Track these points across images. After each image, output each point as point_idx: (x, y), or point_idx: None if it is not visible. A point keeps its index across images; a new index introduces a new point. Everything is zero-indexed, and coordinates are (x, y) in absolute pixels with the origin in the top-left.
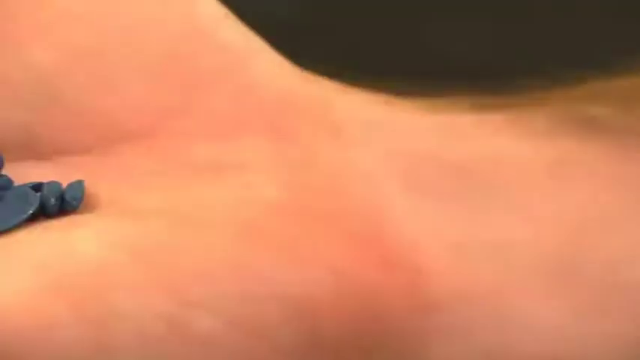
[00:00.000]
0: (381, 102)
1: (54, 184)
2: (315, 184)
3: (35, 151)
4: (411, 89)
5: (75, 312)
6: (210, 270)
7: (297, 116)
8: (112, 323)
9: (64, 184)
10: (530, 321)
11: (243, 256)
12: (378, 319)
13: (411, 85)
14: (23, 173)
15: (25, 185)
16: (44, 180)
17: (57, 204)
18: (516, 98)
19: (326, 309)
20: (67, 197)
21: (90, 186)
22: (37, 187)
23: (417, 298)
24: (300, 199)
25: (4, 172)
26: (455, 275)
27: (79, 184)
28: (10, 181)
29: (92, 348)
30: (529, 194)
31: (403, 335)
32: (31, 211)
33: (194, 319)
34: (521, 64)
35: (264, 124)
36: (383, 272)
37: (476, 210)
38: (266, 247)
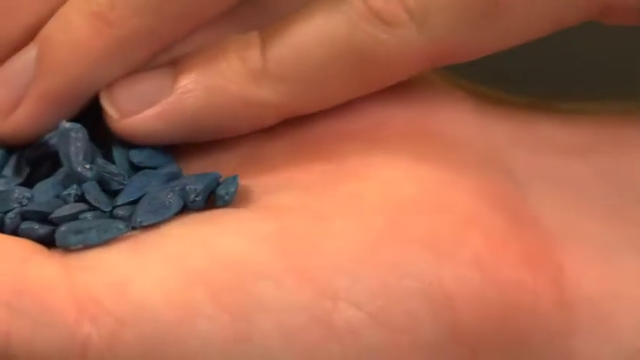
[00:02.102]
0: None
1: (211, 177)
2: (454, 182)
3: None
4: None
5: (215, 303)
6: (353, 264)
7: (438, 108)
8: (252, 314)
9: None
10: None
11: (387, 251)
12: (520, 316)
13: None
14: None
15: (185, 178)
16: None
17: (200, 200)
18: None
19: (468, 305)
20: (221, 192)
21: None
22: (199, 178)
23: (560, 296)
24: (441, 196)
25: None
26: (598, 273)
27: (234, 179)
28: (180, 171)
29: (232, 338)
30: None
31: (546, 333)
32: (175, 210)
33: (336, 312)
34: None
35: (406, 120)
36: (525, 269)
37: (619, 209)
38: (410, 242)
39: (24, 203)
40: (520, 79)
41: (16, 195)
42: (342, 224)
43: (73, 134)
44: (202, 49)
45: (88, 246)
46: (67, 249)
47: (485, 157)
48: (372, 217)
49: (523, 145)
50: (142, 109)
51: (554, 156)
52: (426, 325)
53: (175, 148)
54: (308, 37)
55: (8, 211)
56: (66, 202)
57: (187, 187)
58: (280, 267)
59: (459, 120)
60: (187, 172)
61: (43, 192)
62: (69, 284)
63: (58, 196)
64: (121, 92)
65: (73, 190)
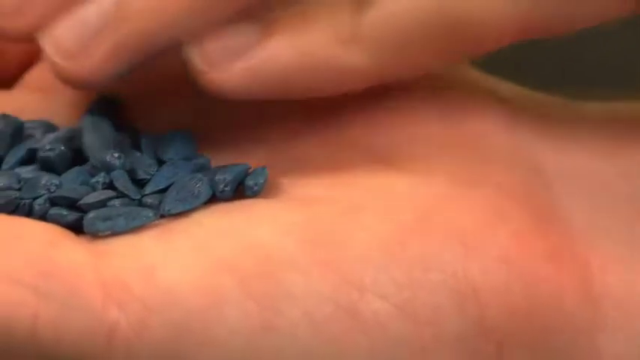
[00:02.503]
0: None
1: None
2: (483, 178)
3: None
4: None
5: (243, 290)
6: (380, 255)
7: (467, 104)
8: (279, 302)
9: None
10: None
11: (414, 243)
12: (545, 311)
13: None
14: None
15: (212, 169)
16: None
17: (229, 190)
18: None
19: (495, 299)
20: (250, 182)
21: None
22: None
23: (586, 292)
24: (468, 192)
25: None
26: (624, 270)
27: (263, 170)
28: (208, 161)
29: (258, 325)
30: None
31: (571, 329)
32: (204, 199)
33: (362, 303)
34: None
35: (436, 114)
36: (551, 265)
37: None
38: (437, 235)
39: (52, 190)
40: (542, 77)
41: (44, 181)
42: (370, 216)
43: (98, 124)
44: (293, 9)
45: (115, 233)
46: (95, 235)
47: (513, 155)
48: (400, 210)
49: (549, 144)
50: (229, 62)
51: (579, 156)
52: (451, 318)
53: (204, 140)
54: (399, 4)
55: (37, 197)
56: (94, 190)
57: (216, 177)
58: (308, 257)
59: (488, 118)
60: (215, 164)
61: (71, 180)
62: (97, 269)
63: (86, 184)
64: (210, 44)
65: (100, 177)
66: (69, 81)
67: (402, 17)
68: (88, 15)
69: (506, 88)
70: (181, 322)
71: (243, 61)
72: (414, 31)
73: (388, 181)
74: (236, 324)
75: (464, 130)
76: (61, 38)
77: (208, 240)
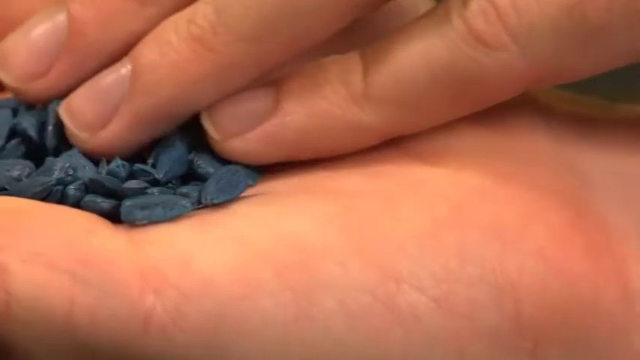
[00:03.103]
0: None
1: None
2: (519, 175)
3: None
4: None
5: (279, 280)
6: (418, 247)
7: (504, 102)
8: (315, 293)
9: None
10: None
11: (451, 236)
12: (582, 308)
13: None
14: None
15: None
16: None
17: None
18: None
19: (531, 295)
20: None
21: (294, 168)
22: None
23: (623, 290)
24: (506, 187)
25: None
26: None
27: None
28: None
29: (294, 315)
30: None
31: (608, 327)
32: (242, 189)
33: (399, 295)
34: None
35: (474, 115)
36: (589, 262)
37: None
38: (474, 229)
39: (69, 173)
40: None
41: (59, 165)
42: (407, 208)
43: None
44: (302, 71)
45: (153, 222)
46: (132, 224)
47: (550, 153)
48: (437, 203)
49: (587, 143)
50: (244, 131)
51: (616, 154)
52: (488, 312)
53: None
54: (409, 60)
55: (70, 183)
56: (116, 176)
57: (254, 168)
58: (345, 248)
59: (524, 116)
60: None
61: (83, 165)
62: (134, 256)
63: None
64: (223, 114)
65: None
66: (88, 152)
67: (411, 75)
68: (105, 85)
69: (544, 89)
70: (217, 311)
71: (257, 129)
72: (424, 87)
73: (424, 174)
74: (271, 314)
75: (500, 127)
76: (79, 110)
77: (245, 230)
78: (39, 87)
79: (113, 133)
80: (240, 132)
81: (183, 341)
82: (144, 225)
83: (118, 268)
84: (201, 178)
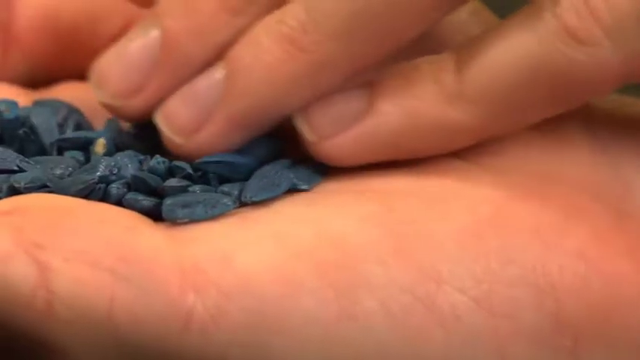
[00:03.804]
0: None
1: None
2: (561, 176)
3: None
4: None
5: (321, 279)
6: (458, 248)
7: None
8: (357, 292)
9: None
10: None
11: (492, 237)
12: (623, 308)
13: None
14: None
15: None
16: None
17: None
18: None
19: (572, 295)
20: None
21: (339, 170)
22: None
23: None
24: (547, 188)
25: None
26: None
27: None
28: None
29: (335, 314)
30: None
31: None
32: (284, 188)
33: (440, 295)
34: None
35: None
36: (630, 262)
37: None
38: (515, 230)
39: (114, 172)
40: None
41: (104, 164)
42: (448, 208)
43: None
44: (396, 71)
45: (194, 220)
46: (173, 222)
47: (592, 154)
48: (478, 203)
49: (627, 144)
50: (339, 132)
51: None
52: (529, 312)
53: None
54: (502, 58)
55: (113, 181)
56: (156, 173)
57: (297, 167)
58: (386, 247)
59: (566, 117)
60: (295, 152)
61: (126, 163)
62: (174, 254)
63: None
64: (318, 115)
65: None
66: (184, 156)
67: (505, 73)
68: (199, 89)
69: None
70: (257, 309)
71: (352, 130)
72: (517, 86)
73: (465, 174)
74: (312, 313)
75: (542, 128)
76: (174, 115)
77: (286, 228)
78: (136, 103)
79: (208, 137)
80: (335, 133)
81: (223, 339)
82: (185, 223)
83: (159, 266)
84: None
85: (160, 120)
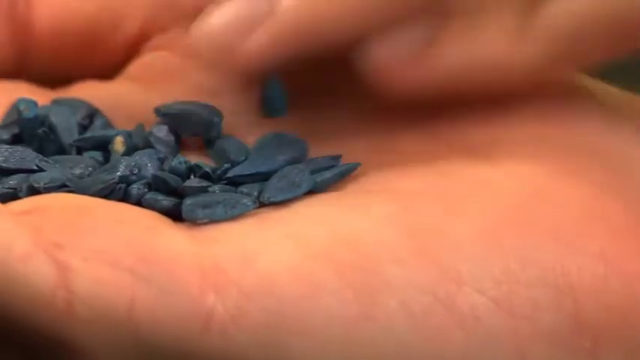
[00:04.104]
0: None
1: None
2: (579, 176)
3: None
4: None
5: (341, 279)
6: (478, 248)
7: (565, 103)
8: (377, 293)
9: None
10: None
11: (512, 237)
12: None
13: None
14: None
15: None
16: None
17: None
18: None
19: (591, 296)
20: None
21: (358, 171)
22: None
23: None
24: (567, 188)
25: None
26: None
27: (354, 166)
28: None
29: (355, 315)
30: None
31: None
32: (305, 189)
33: (459, 296)
34: None
35: (534, 112)
36: None
37: None
38: (535, 230)
39: (134, 172)
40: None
41: (124, 164)
42: (467, 208)
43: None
44: (461, 6)
45: (214, 221)
46: (194, 222)
47: (610, 154)
48: (498, 203)
49: None
50: (404, 65)
51: None
52: (548, 313)
53: (305, 128)
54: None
55: (133, 182)
56: (176, 172)
57: (318, 169)
58: (405, 247)
59: (584, 118)
60: (315, 152)
61: (145, 162)
62: (195, 254)
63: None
64: (385, 47)
65: (182, 159)
66: (229, 70)
67: (578, 12)
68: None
69: (601, 87)
70: (278, 309)
71: (415, 63)
72: (588, 25)
73: (484, 174)
74: (332, 313)
75: (561, 128)
76: (219, 29)
77: (306, 229)
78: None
79: (255, 51)
80: (398, 66)
81: (244, 340)
82: (205, 224)
83: (179, 266)
84: None
85: (196, 35)
